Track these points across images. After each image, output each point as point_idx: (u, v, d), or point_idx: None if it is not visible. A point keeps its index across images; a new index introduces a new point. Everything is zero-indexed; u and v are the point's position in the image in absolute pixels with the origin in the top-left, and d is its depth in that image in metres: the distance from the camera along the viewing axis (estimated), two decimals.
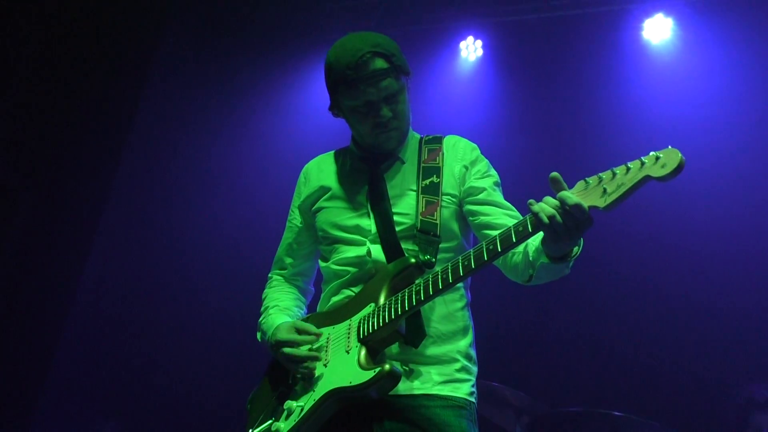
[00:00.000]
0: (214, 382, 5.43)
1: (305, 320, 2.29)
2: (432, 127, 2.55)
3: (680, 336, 4.53)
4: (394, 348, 2.07)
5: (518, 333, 4.90)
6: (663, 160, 1.57)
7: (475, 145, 2.39)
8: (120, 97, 5.60)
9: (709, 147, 4.86)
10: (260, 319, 2.40)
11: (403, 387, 2.02)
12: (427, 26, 6.27)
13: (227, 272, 5.85)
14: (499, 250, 1.82)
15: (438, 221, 2.15)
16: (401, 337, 2.02)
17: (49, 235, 5.33)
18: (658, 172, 1.57)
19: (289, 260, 2.51)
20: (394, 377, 1.89)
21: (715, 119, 4.99)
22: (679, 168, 1.55)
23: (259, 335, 2.38)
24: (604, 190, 1.65)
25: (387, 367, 1.88)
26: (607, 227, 4.90)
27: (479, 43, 6.06)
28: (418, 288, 1.96)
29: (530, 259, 1.97)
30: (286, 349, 2.12)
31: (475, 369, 2.21)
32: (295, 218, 2.51)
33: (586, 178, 1.72)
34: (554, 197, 1.74)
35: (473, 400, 2.16)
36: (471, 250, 1.91)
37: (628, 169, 1.63)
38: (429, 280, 1.94)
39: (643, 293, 4.75)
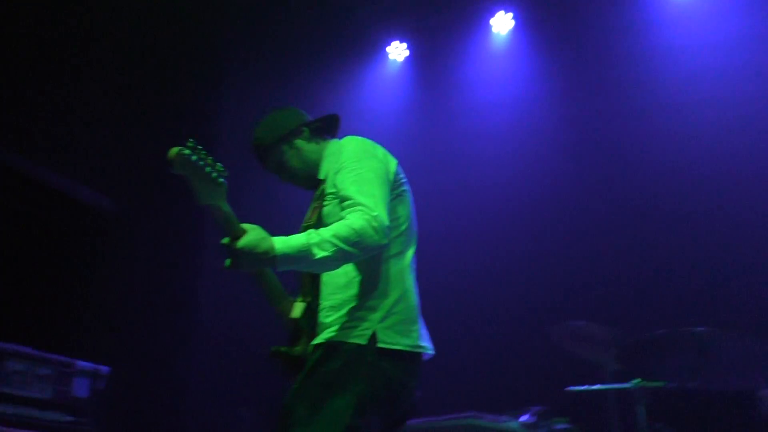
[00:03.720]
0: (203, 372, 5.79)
1: None
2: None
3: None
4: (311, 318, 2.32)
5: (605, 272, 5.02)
6: None
7: (338, 141, 2.52)
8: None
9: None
10: None
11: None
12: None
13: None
14: None
15: (314, 222, 2.30)
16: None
17: None
18: None
19: None
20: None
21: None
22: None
23: None
24: None
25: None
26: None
27: (509, 15, 6.29)
28: None
29: None
30: None
31: (372, 316, 2.18)
32: None
33: None
34: None
35: (360, 342, 2.13)
36: None
37: None
38: None
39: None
